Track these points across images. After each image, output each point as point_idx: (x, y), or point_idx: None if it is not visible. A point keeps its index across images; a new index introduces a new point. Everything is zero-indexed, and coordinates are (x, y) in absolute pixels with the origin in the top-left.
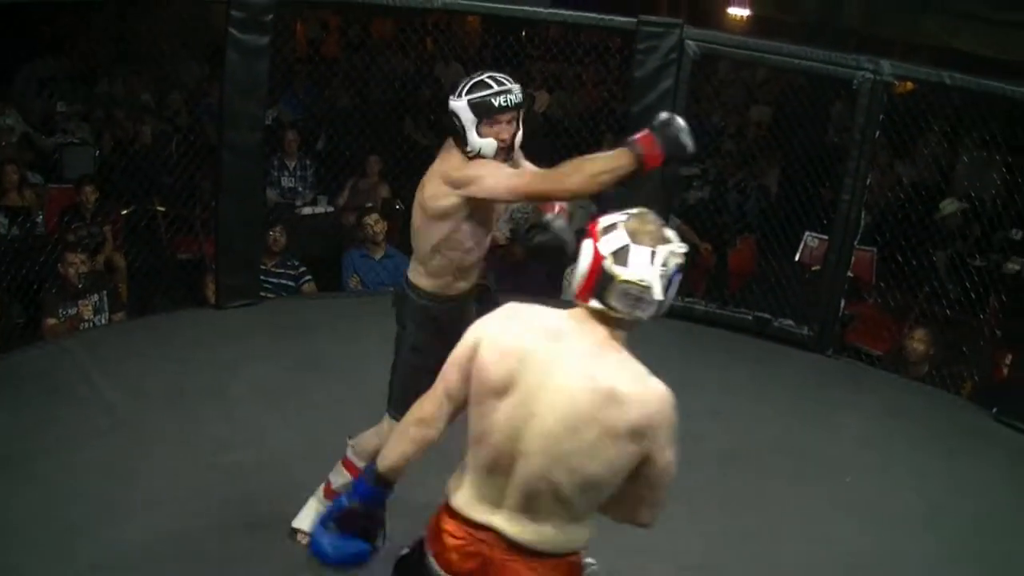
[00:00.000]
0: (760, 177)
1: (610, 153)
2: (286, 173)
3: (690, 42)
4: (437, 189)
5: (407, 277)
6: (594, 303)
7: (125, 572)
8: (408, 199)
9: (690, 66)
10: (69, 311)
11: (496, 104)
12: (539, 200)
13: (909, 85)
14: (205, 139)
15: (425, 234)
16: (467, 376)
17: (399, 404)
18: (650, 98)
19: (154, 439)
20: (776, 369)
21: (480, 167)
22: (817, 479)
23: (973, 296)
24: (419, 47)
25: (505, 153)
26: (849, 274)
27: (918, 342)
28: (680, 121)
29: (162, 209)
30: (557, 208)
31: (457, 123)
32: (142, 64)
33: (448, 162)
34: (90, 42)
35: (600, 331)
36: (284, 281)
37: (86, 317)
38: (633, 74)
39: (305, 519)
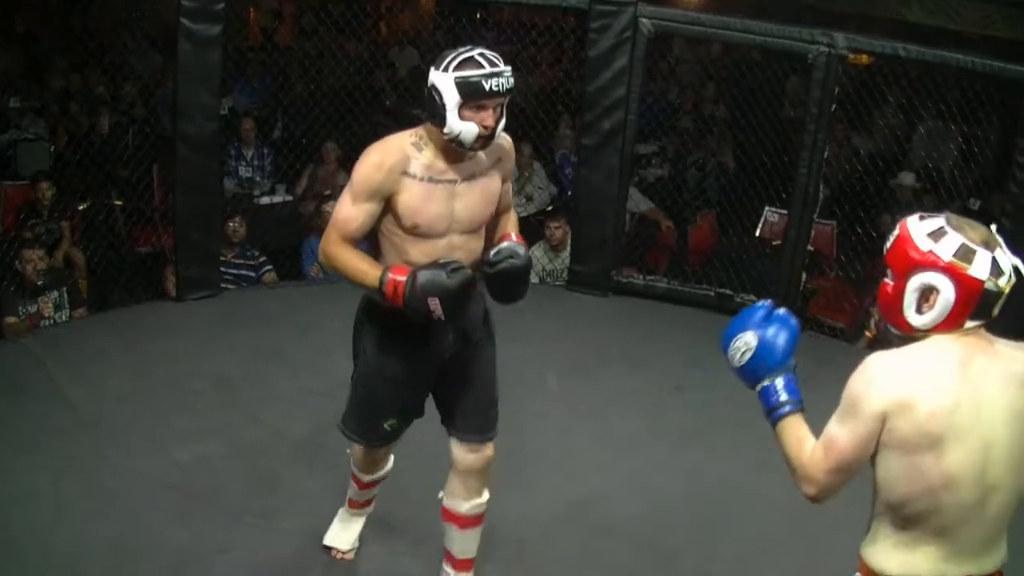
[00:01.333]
0: (718, 154)
1: (368, 269)
2: (243, 163)
3: (644, 20)
4: None
5: None
6: (972, 323)
7: (92, 567)
8: None
9: (644, 44)
10: (29, 309)
11: (487, 88)
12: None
13: (864, 58)
14: (161, 130)
15: None
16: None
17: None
18: (605, 77)
19: (118, 435)
20: None
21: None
22: (777, 451)
23: None
24: (372, 32)
25: (484, 142)
26: (809, 248)
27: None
28: (438, 291)
29: (120, 203)
30: (516, 238)
31: (437, 99)
32: (95, 56)
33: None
34: (42, 35)
35: (970, 338)
36: (244, 272)
37: (46, 314)
38: (587, 54)
39: (334, 536)
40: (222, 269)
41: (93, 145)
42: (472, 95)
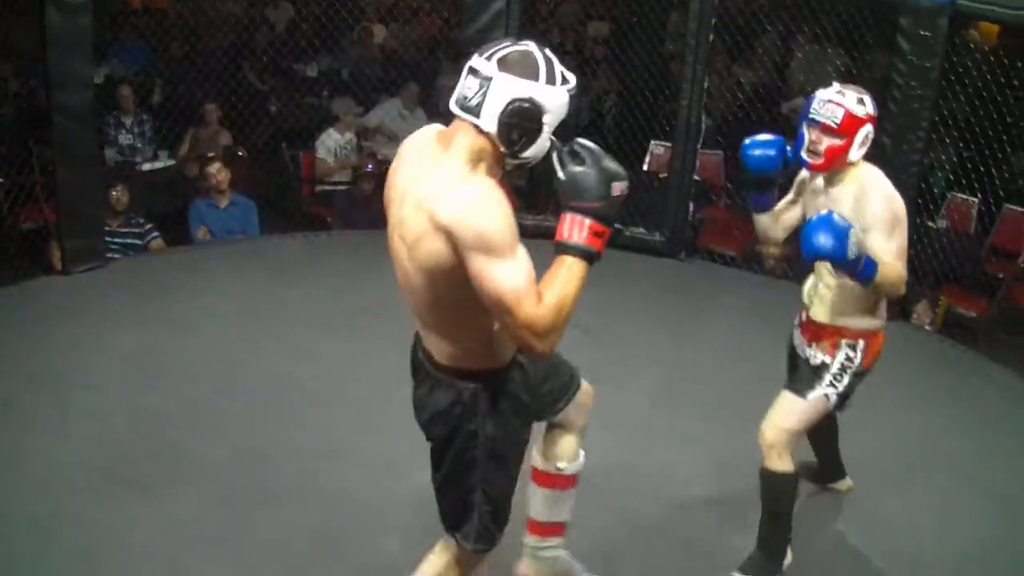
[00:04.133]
0: (606, 92)
1: (570, 272)
2: (123, 130)
3: None
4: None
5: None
6: None
7: (6, 548)
8: (251, 142)
9: None
10: None
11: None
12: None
13: None
14: (37, 103)
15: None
16: None
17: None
18: (483, 20)
19: (20, 417)
20: (633, 278)
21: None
22: (685, 386)
23: None
24: None
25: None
26: (698, 178)
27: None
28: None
29: (0, 180)
30: None
31: (537, 117)
32: None
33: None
34: None
35: None
36: (130, 240)
37: None
38: None
39: None
40: (108, 239)
41: None
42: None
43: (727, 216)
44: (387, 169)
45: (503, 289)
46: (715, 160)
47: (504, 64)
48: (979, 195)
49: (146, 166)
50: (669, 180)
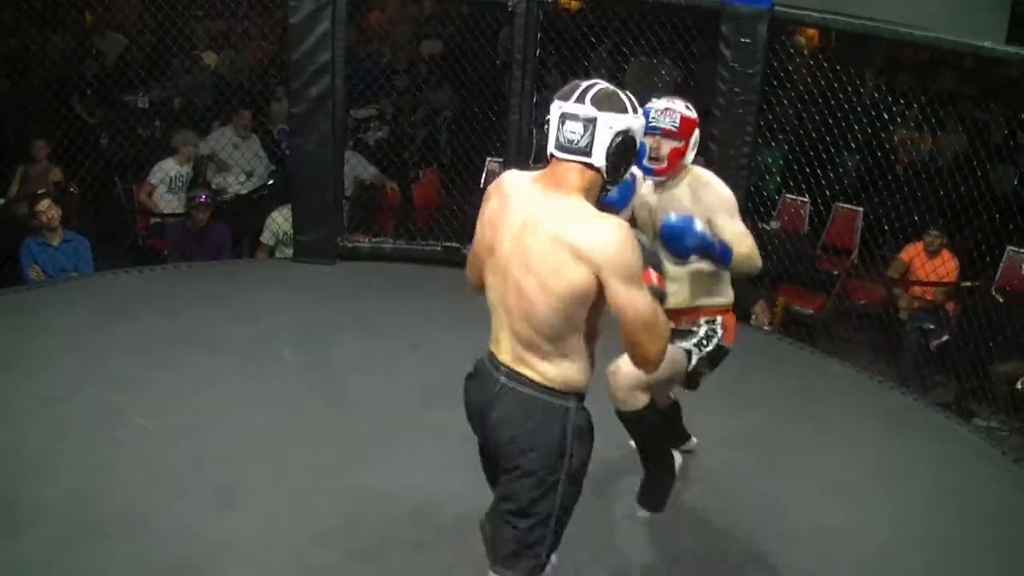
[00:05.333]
0: (442, 109)
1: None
2: None
3: None
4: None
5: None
6: None
7: None
8: (82, 177)
9: (345, 7)
10: None
11: None
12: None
13: (574, 3)
14: None
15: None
16: None
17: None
18: (308, 43)
19: None
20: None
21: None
22: None
23: None
24: (77, 21)
25: None
26: None
27: None
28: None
29: None
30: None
31: (633, 144)
32: None
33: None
34: None
35: None
36: None
37: None
38: (289, 21)
39: None
40: None
41: None
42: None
43: None
44: (218, 200)
45: (645, 308)
46: None
47: (600, 104)
48: (809, 196)
49: None
50: None
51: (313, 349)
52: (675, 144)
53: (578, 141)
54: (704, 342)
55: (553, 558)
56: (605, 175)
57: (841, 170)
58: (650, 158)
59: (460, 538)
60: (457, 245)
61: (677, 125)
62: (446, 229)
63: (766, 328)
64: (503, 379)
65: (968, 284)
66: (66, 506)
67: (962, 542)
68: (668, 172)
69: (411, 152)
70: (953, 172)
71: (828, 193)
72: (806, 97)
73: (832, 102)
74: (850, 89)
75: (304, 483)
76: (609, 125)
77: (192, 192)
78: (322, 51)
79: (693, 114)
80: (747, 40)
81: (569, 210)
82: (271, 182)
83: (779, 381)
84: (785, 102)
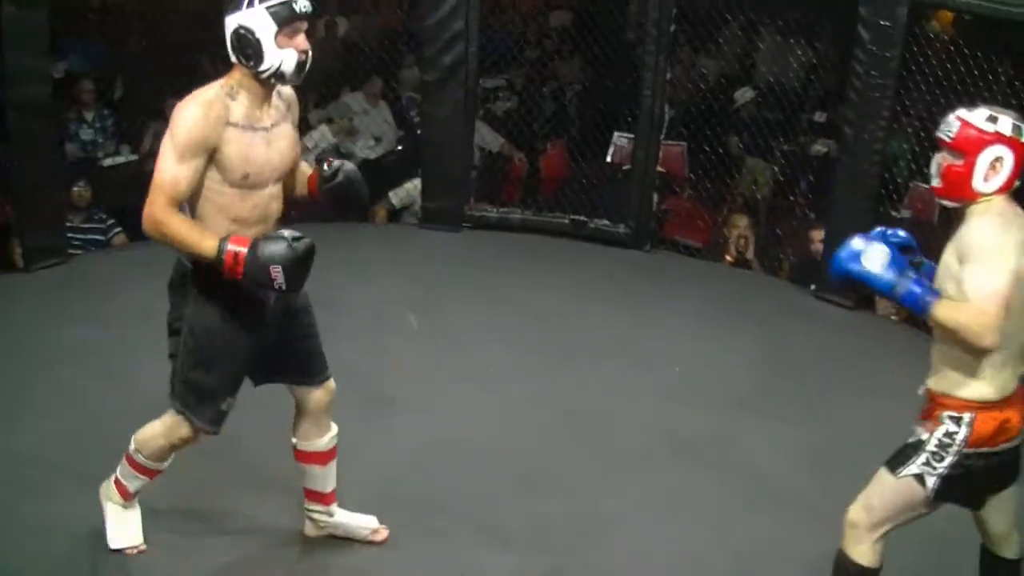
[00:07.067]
0: (571, 82)
1: (201, 238)
2: (84, 126)
3: None
4: None
5: None
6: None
7: None
8: None
9: None
10: None
11: (297, 10)
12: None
13: None
14: None
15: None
16: None
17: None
18: (443, 10)
19: None
20: (597, 269)
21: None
22: (648, 372)
23: (782, 179)
24: None
25: (301, 68)
26: (661, 169)
27: (736, 228)
28: (283, 259)
29: None
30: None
31: (250, 37)
32: None
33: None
34: None
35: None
36: (93, 236)
37: None
38: None
39: (122, 535)
40: (70, 235)
41: None
42: (287, 19)
43: (691, 207)
44: None
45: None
46: (677, 151)
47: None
48: None
49: (108, 161)
50: (633, 172)
51: (438, 315)
52: (952, 161)
53: None
54: (937, 456)
55: None
56: None
57: None
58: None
59: (576, 512)
60: (584, 219)
61: (952, 136)
62: (573, 202)
63: (893, 318)
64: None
65: None
66: (190, 458)
67: None
68: (944, 195)
69: (539, 124)
70: None
71: None
72: (943, 83)
73: (969, 89)
74: (990, 77)
75: (421, 450)
76: (230, 22)
77: (320, 155)
78: (456, 19)
79: (995, 127)
80: (886, 23)
81: None
82: (399, 148)
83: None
84: (923, 87)
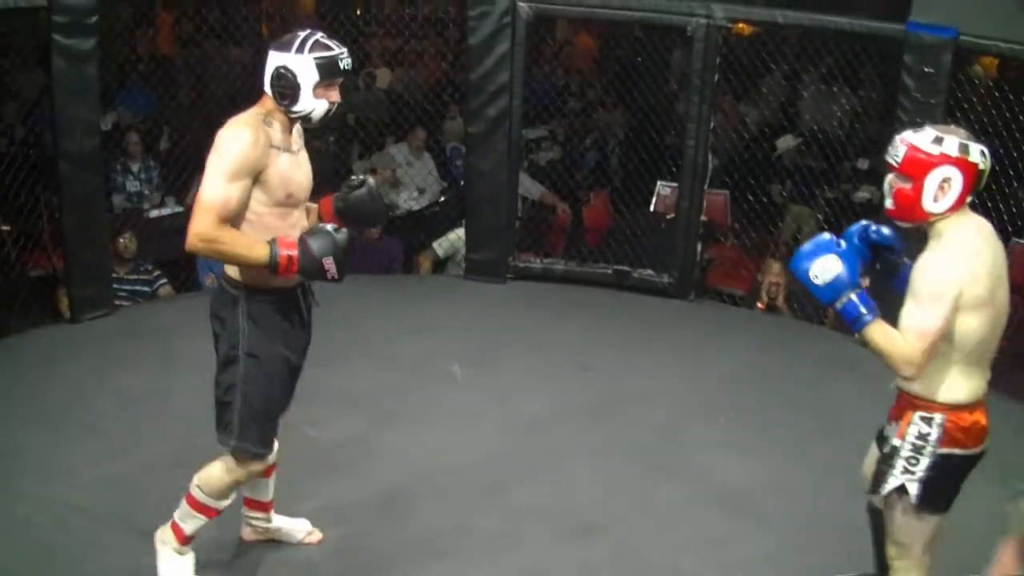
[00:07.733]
0: (613, 133)
1: (253, 244)
2: (131, 177)
3: (522, 4)
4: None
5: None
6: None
7: None
8: None
9: (524, 28)
10: None
11: (341, 67)
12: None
13: (746, 27)
14: (43, 150)
15: None
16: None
17: (245, 431)
18: (487, 64)
19: (24, 462)
20: (641, 318)
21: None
22: (693, 421)
23: (826, 226)
24: (253, 35)
25: (327, 115)
26: (704, 218)
27: (774, 275)
28: (333, 250)
29: (7, 228)
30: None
31: (292, 79)
32: None
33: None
34: None
35: (967, 213)
36: (139, 287)
37: None
38: (468, 42)
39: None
40: (116, 286)
41: None
42: (330, 74)
43: (734, 255)
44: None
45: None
46: (720, 200)
47: None
48: None
49: (154, 213)
50: (676, 221)
51: (483, 365)
52: (901, 184)
53: None
54: (912, 460)
55: None
56: None
57: (1015, 208)
58: None
59: (622, 560)
60: (628, 268)
61: (899, 160)
62: (616, 252)
63: None
64: None
65: None
66: (237, 507)
67: None
68: (897, 217)
69: (583, 174)
70: None
71: (1009, 229)
72: (988, 129)
73: (1015, 134)
74: None
75: (470, 498)
76: (276, 60)
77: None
78: (501, 72)
79: (940, 148)
80: (930, 69)
81: None
82: (443, 199)
83: None
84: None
